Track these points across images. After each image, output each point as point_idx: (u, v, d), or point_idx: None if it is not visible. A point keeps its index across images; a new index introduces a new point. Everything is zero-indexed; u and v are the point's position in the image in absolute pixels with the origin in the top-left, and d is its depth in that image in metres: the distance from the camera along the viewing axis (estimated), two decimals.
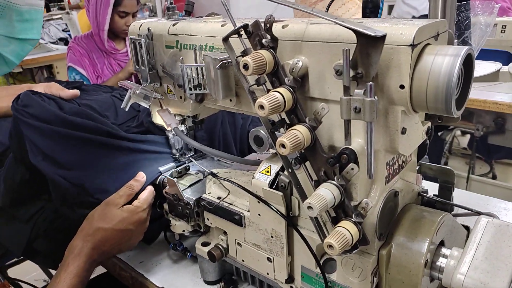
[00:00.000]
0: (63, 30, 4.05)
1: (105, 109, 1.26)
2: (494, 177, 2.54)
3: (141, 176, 0.82)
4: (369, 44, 0.48)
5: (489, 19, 1.29)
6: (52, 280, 0.73)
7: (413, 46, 0.49)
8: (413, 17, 2.79)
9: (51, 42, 3.76)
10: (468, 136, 2.34)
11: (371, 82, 0.47)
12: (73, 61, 2.05)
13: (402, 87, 0.50)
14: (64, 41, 3.92)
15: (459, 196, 0.76)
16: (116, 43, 2.11)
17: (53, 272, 1.71)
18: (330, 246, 0.52)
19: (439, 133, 2.17)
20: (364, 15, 0.96)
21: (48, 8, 3.53)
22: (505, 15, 2.18)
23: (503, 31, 1.79)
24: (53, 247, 0.96)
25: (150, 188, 0.82)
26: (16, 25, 0.65)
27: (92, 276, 1.18)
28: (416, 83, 0.50)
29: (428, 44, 0.52)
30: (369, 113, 0.48)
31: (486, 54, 1.74)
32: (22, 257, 1.52)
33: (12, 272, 1.63)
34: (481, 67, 1.58)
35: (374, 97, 0.47)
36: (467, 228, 0.71)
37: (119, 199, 0.79)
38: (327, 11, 1.18)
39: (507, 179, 2.50)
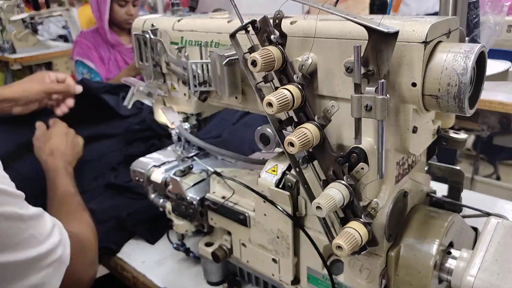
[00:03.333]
0: (62, 27, 4.02)
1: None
2: (498, 178, 2.52)
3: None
4: (381, 41, 0.46)
5: (498, 18, 1.28)
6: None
7: (425, 43, 0.47)
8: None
9: (50, 39, 3.73)
10: (473, 136, 2.33)
11: (383, 80, 0.46)
12: (80, 55, 1.99)
13: (414, 85, 0.49)
14: (64, 38, 3.89)
15: (465, 197, 0.75)
16: (121, 38, 2.07)
17: None
18: (339, 247, 0.51)
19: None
20: (372, 12, 0.95)
21: (47, 5, 3.50)
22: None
23: (509, 31, 1.77)
24: None
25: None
26: None
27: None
28: (428, 81, 0.49)
29: (440, 41, 0.51)
30: (381, 111, 0.47)
31: (492, 53, 1.72)
32: None
33: None
34: (490, 66, 1.56)
35: (386, 95, 0.46)
36: (475, 229, 0.70)
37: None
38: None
39: (511, 180, 2.49)
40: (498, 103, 1.44)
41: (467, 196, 1.01)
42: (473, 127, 1.66)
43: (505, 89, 1.55)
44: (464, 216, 0.71)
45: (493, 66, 1.59)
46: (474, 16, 1.00)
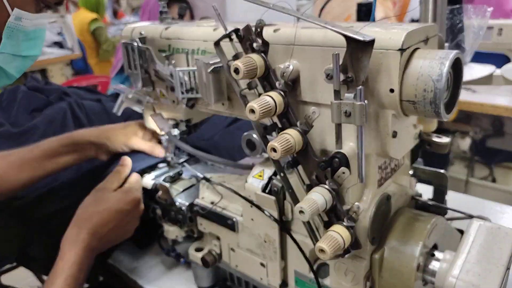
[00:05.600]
0: (57, 34, 4.01)
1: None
2: (494, 181, 2.53)
3: (127, 161, 0.81)
4: (359, 49, 0.48)
5: (482, 22, 1.30)
6: (50, 275, 0.68)
7: (402, 50, 0.49)
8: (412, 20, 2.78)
9: (45, 46, 3.73)
10: (468, 139, 2.33)
11: (361, 86, 0.47)
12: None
13: (392, 91, 0.50)
14: (59, 44, 3.89)
15: (456, 199, 0.76)
16: None
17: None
18: (322, 250, 0.52)
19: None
20: (359, 18, 0.96)
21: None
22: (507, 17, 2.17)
23: (499, 34, 1.80)
24: (48, 253, 0.95)
25: (135, 173, 0.82)
26: (22, 44, 0.66)
27: (87, 285, 1.18)
28: (405, 87, 0.50)
29: (418, 48, 0.52)
30: (359, 117, 0.48)
31: (483, 57, 1.74)
32: (15, 264, 1.51)
33: (6, 279, 1.62)
34: (475, 70, 1.59)
35: (364, 101, 0.47)
36: (461, 231, 0.71)
37: (111, 184, 0.78)
38: (320, 12, 1.18)
39: (507, 182, 2.49)
40: (490, 106, 1.45)
41: (458, 199, 1.03)
42: (466, 130, 1.67)
43: (497, 92, 1.57)
44: (449, 219, 0.72)
45: (478, 71, 1.61)
46: (458, 21, 1.02)
